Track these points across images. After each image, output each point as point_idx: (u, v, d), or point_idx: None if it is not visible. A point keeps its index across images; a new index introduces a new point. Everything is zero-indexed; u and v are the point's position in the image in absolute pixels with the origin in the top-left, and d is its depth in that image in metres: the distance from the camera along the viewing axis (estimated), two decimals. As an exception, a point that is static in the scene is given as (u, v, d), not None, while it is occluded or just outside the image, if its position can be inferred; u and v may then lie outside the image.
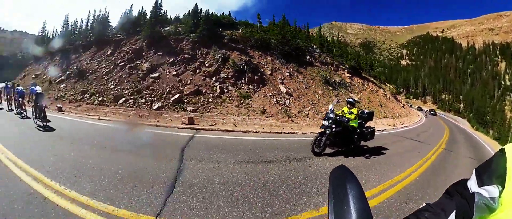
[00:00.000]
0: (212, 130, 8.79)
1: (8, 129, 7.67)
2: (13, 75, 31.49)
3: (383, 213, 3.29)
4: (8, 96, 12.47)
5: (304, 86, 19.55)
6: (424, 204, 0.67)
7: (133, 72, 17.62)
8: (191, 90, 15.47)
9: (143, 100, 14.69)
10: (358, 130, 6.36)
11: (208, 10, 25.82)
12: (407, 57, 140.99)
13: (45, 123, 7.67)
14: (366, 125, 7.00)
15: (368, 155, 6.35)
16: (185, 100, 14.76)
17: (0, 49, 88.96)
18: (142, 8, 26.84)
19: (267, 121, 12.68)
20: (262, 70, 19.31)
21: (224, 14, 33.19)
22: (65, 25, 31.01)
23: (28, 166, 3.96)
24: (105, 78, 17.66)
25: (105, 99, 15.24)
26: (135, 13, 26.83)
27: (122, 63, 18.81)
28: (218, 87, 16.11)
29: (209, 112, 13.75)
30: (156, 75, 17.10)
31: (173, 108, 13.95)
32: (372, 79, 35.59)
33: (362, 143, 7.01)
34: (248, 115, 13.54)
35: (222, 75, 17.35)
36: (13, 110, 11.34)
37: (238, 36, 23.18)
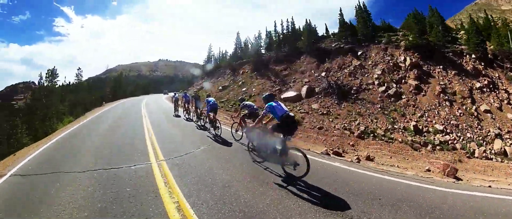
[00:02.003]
0: None
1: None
2: (179, 88, 42.69)
3: None
4: (187, 105, 12.74)
5: None
6: None
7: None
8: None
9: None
10: None
11: None
12: None
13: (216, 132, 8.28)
14: None
15: None
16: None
17: (168, 71, 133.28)
18: None
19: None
20: None
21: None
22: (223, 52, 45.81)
23: None
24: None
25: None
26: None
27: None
28: None
29: None
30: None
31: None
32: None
33: None
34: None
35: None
36: (191, 120, 11.92)
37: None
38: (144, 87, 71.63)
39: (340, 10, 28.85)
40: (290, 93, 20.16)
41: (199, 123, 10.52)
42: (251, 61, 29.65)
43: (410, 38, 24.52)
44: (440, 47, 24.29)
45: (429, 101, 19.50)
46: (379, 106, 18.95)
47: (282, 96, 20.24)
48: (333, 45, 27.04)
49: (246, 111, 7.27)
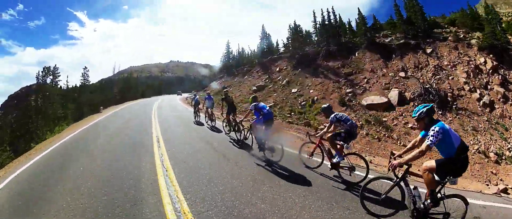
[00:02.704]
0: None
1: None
2: (190, 89, 41.17)
3: None
4: (210, 110, 10.52)
5: None
6: None
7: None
8: None
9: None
10: None
11: None
12: None
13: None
14: None
15: None
16: None
17: (179, 72, 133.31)
18: None
19: None
20: None
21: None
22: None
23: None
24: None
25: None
26: None
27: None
28: None
29: None
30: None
31: None
32: None
33: None
34: None
35: None
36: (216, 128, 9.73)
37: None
38: (156, 88, 69.44)
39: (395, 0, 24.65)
40: (374, 98, 15.29)
41: (234, 136, 7.68)
42: (288, 57, 24.23)
43: (480, 37, 21.29)
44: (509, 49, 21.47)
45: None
46: (485, 118, 15.11)
47: (363, 102, 15.32)
48: (387, 40, 22.84)
49: (341, 129, 4.61)
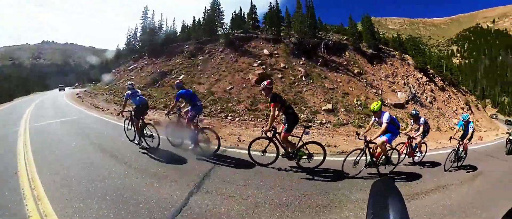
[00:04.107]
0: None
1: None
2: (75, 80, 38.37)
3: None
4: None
5: None
6: None
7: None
8: None
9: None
10: None
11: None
12: (458, 54, 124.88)
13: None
14: None
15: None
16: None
17: (55, 58, 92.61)
18: None
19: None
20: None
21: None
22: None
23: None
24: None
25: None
26: None
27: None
28: None
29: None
30: None
31: None
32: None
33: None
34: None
35: None
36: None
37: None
38: (23, 83, 50.54)
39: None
40: (392, 98, 18.15)
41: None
42: (271, 39, 23.14)
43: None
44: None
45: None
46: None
47: (389, 101, 17.72)
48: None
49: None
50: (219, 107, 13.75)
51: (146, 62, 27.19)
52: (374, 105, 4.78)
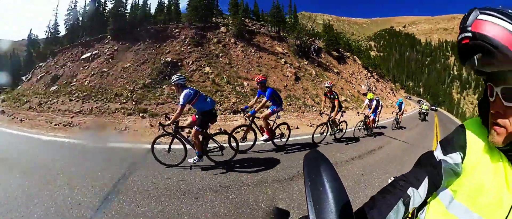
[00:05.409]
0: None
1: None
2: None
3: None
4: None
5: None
6: (394, 177, 0.78)
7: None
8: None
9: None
10: None
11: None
12: (375, 49, 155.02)
13: None
14: None
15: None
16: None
17: None
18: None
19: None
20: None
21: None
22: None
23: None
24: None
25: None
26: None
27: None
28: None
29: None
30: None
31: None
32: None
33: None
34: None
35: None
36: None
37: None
38: None
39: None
40: (361, 90, 28.23)
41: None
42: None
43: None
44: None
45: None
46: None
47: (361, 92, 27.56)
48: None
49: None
50: (296, 103, 15.31)
51: (116, 48, 18.40)
52: (370, 95, 8.68)
